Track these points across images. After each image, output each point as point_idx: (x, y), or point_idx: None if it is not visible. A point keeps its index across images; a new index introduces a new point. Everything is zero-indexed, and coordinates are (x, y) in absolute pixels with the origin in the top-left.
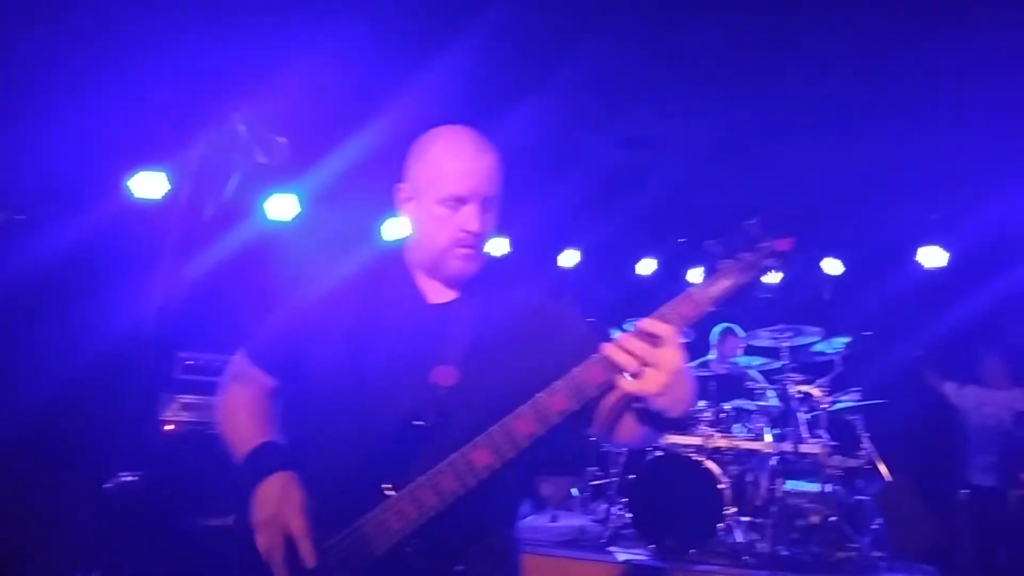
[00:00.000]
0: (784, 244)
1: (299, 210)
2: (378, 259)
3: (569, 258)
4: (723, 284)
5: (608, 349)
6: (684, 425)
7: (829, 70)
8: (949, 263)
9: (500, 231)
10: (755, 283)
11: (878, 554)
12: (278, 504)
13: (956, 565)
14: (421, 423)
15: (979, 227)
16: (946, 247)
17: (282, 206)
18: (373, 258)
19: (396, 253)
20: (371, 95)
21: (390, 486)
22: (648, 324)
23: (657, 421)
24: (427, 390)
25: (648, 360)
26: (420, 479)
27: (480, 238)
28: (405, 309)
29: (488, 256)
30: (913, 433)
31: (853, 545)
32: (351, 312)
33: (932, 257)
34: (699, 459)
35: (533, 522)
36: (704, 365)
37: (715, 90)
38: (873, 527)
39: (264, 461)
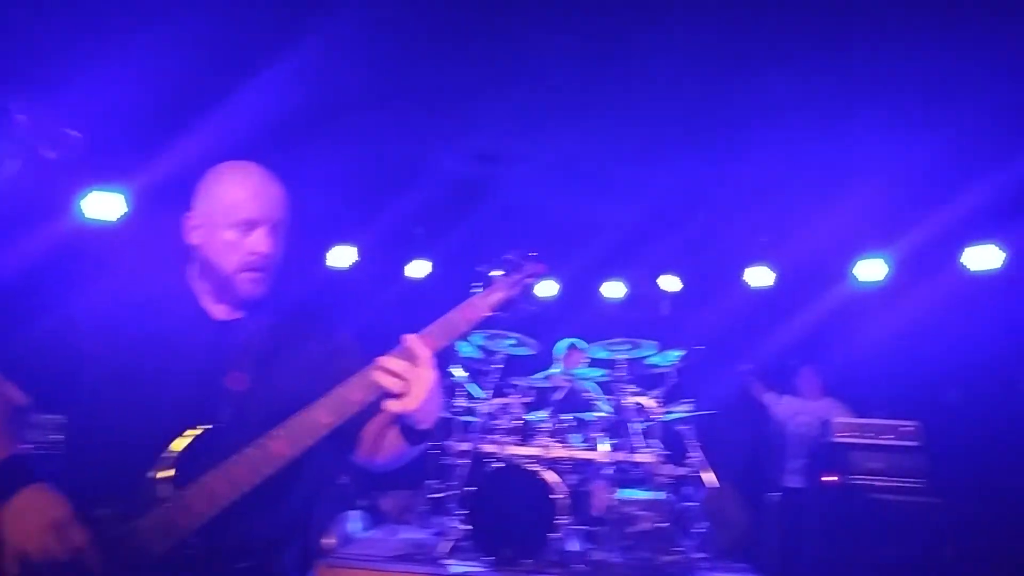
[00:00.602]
0: (539, 268)
1: (125, 210)
2: (161, 283)
3: (419, 269)
4: (497, 295)
5: (376, 375)
6: (435, 436)
7: (676, 94)
8: (776, 282)
9: (347, 241)
10: (522, 296)
11: (701, 555)
12: (40, 515)
13: (765, 561)
14: (212, 425)
15: (798, 245)
16: (773, 267)
17: (104, 205)
18: (155, 281)
19: (178, 279)
20: (210, 93)
21: (164, 474)
22: (411, 342)
23: (412, 435)
24: (219, 395)
25: (409, 379)
26: (213, 471)
27: (269, 260)
28: (191, 324)
29: (271, 279)
30: (739, 441)
31: (679, 549)
32: (131, 328)
33: (759, 276)
34: (537, 469)
35: (370, 536)
36: (547, 378)
37: (562, 108)
38: (698, 531)
39: (10, 475)
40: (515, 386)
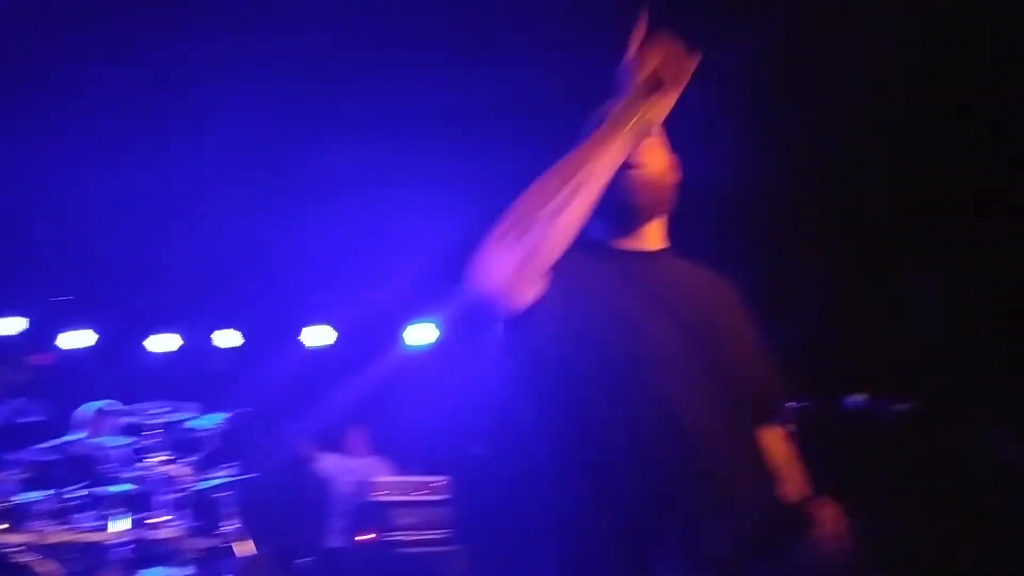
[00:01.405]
0: (43, 359)
1: None
2: None
3: None
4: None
5: None
6: None
7: (239, 154)
8: (335, 343)
9: None
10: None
11: None
12: None
13: None
14: None
15: (354, 310)
16: (334, 327)
17: None
18: None
19: None
20: None
21: None
22: None
23: None
24: None
25: None
26: None
27: None
28: None
29: None
30: (285, 504)
31: None
32: None
33: (318, 336)
34: (29, 560)
35: None
36: (59, 448)
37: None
38: None
39: None
40: (8, 461)
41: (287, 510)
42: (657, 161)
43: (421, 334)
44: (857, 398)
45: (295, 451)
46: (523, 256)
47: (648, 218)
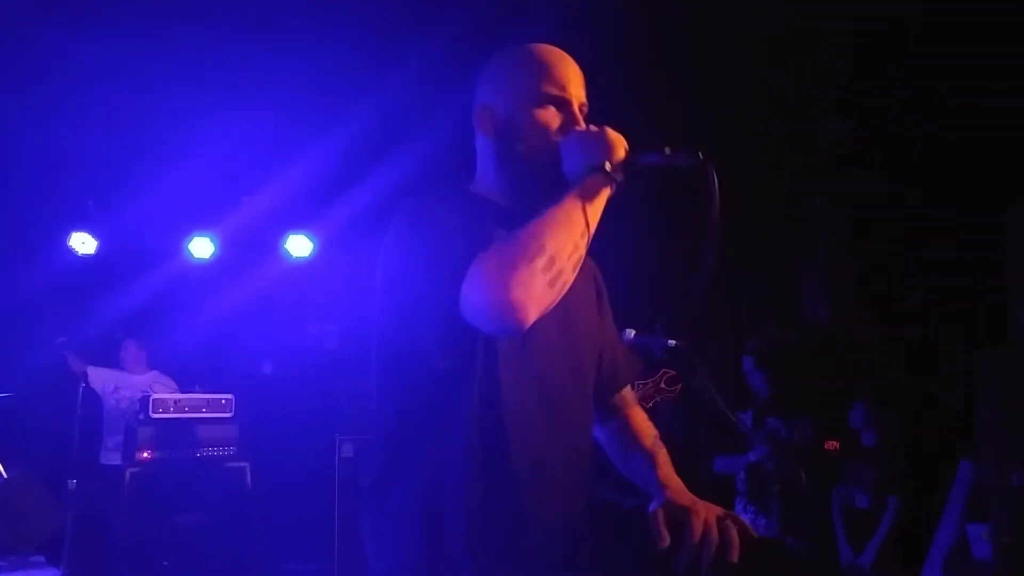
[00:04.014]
0: None
1: None
2: None
3: None
4: None
5: None
6: None
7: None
8: (97, 250)
9: None
10: None
11: None
12: None
13: (65, 551)
14: None
15: (128, 217)
16: (95, 235)
17: None
18: None
19: None
20: None
21: None
22: None
23: None
24: None
25: None
26: None
27: None
28: None
29: None
30: (49, 422)
31: None
32: None
33: (81, 244)
34: None
35: None
36: None
37: None
38: None
39: None
40: None
41: (56, 430)
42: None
43: (201, 247)
44: (630, 333)
45: (62, 365)
46: (554, 299)
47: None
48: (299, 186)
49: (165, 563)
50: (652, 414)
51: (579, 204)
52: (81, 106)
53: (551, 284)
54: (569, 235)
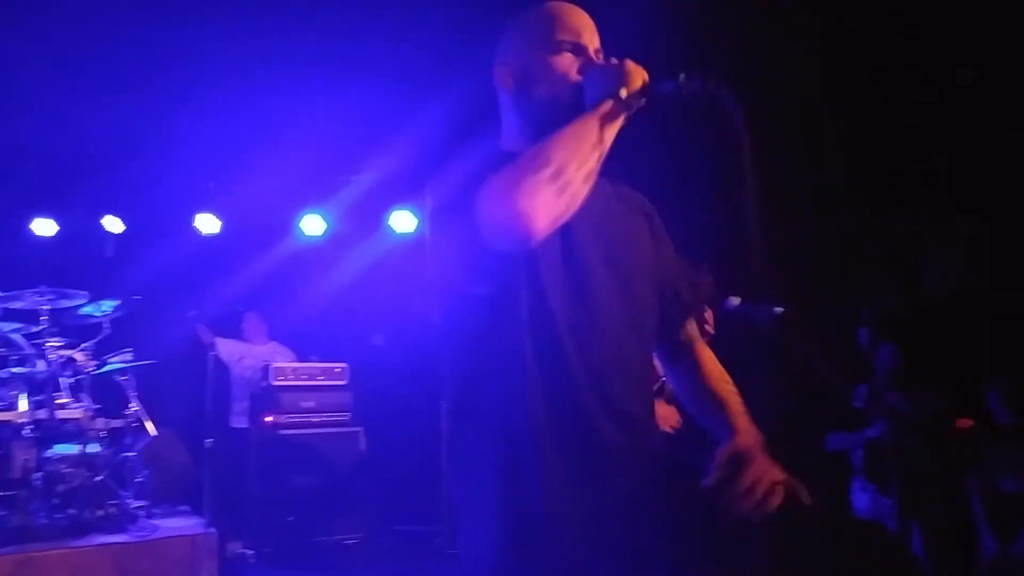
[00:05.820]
0: None
1: None
2: None
3: None
4: None
5: None
6: None
7: (119, 35)
8: (222, 230)
9: None
10: None
11: (139, 504)
12: None
13: (206, 500)
14: None
15: (245, 198)
16: (220, 216)
17: None
18: None
19: None
20: None
21: None
22: None
23: None
24: None
25: None
26: None
27: None
28: None
29: None
30: (184, 387)
31: (114, 501)
32: None
33: (208, 224)
34: None
35: None
36: None
37: None
38: (138, 480)
39: None
40: None
41: (191, 394)
42: None
43: (313, 224)
44: (734, 301)
45: (192, 336)
46: (563, 210)
47: None
48: (405, 163)
49: (290, 519)
50: None
51: (589, 122)
52: (201, 94)
53: (558, 193)
54: (577, 148)
